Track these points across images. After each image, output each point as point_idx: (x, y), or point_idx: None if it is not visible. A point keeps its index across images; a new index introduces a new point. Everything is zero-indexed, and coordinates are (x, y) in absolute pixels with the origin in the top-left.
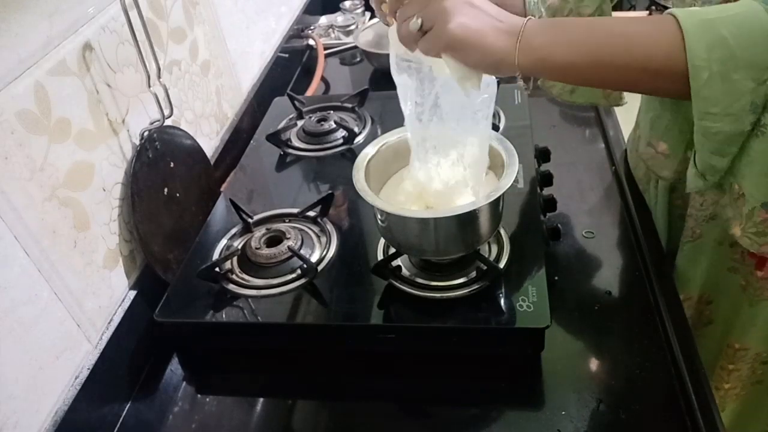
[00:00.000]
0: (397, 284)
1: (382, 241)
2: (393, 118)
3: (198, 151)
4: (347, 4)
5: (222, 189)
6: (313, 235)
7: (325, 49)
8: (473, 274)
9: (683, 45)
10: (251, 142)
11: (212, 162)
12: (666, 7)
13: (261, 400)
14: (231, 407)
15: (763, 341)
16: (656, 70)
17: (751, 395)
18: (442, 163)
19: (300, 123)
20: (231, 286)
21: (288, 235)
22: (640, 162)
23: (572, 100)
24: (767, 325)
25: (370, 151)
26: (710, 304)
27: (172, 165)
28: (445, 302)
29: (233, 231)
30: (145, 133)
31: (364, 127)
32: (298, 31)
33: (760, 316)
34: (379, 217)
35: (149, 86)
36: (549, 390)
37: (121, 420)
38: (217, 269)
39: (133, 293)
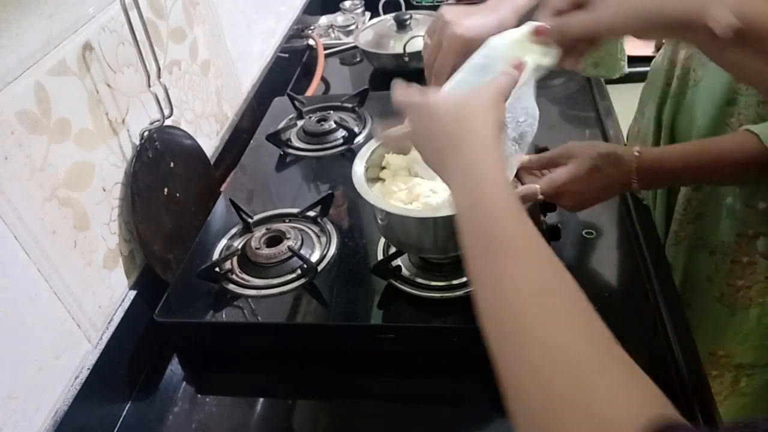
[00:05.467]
0: (397, 284)
1: (382, 241)
2: (393, 118)
3: (198, 151)
4: (347, 4)
5: (222, 189)
6: (313, 235)
7: (325, 49)
8: None
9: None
10: (251, 142)
11: (212, 162)
12: None
13: (261, 400)
14: (231, 407)
15: (747, 352)
16: (749, 177)
17: (736, 407)
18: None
19: (300, 123)
20: (231, 286)
21: (288, 235)
22: None
23: (596, 74)
24: (750, 335)
25: (370, 150)
26: (689, 307)
27: (172, 165)
28: (445, 302)
29: (233, 231)
30: (145, 133)
31: (364, 127)
32: (298, 31)
33: (743, 324)
34: (378, 216)
35: (149, 86)
36: None
37: (121, 420)
38: (217, 269)
39: (133, 293)
